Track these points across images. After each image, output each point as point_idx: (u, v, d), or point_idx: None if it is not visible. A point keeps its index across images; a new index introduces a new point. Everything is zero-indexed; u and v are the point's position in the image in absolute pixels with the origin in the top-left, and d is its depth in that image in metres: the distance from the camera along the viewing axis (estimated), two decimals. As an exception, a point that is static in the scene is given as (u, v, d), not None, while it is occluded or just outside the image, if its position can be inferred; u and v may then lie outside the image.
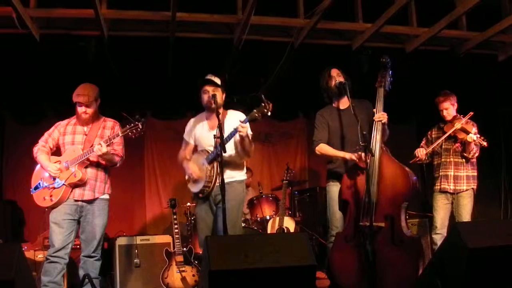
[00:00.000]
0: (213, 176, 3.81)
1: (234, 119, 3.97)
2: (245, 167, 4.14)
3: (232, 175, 3.96)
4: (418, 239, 4.06)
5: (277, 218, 5.69)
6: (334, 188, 4.13)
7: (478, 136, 4.62)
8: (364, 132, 3.71)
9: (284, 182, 6.02)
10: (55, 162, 3.99)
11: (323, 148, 4.14)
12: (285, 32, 5.41)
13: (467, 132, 4.63)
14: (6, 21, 4.64)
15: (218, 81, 4.00)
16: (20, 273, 2.78)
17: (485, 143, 4.63)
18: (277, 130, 7.47)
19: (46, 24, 4.97)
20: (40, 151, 4.07)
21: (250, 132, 3.80)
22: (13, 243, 4.86)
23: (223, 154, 3.61)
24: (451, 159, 4.82)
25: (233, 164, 3.99)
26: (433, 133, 5.01)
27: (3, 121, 6.70)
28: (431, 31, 5.36)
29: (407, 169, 4.00)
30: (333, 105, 4.26)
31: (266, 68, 5.85)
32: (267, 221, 5.82)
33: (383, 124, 3.93)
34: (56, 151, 4.16)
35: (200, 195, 3.95)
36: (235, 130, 3.74)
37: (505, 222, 5.49)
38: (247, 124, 3.70)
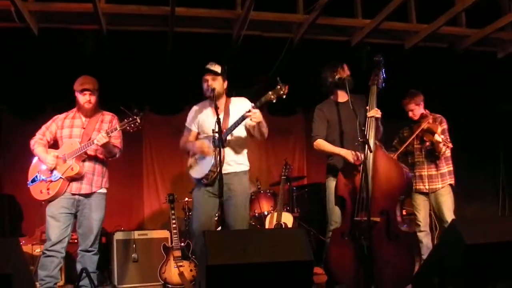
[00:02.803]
0: (218, 162, 3.68)
1: (240, 105, 3.94)
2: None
3: (238, 164, 3.94)
4: (414, 235, 4.08)
5: (275, 214, 5.69)
6: (333, 184, 4.12)
7: (443, 137, 4.62)
8: (363, 128, 3.72)
9: (283, 177, 6.02)
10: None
11: (321, 144, 4.14)
12: (284, 28, 5.40)
13: (433, 133, 4.61)
14: (4, 15, 4.62)
15: (218, 69, 3.93)
16: (18, 267, 2.78)
17: (450, 145, 4.63)
18: (275, 126, 7.43)
19: (45, 18, 4.95)
20: (37, 143, 4.07)
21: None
22: (11, 237, 4.89)
23: (226, 145, 3.61)
24: (423, 159, 4.81)
25: (238, 153, 3.96)
26: (405, 132, 4.99)
27: (1, 115, 6.68)
28: (430, 28, 5.36)
29: (401, 164, 4.02)
30: (332, 98, 4.26)
31: (265, 64, 5.84)
32: (265, 216, 5.82)
33: (377, 120, 3.94)
34: (54, 145, 4.15)
35: (204, 180, 3.85)
36: (242, 118, 3.68)
37: (503, 219, 5.50)
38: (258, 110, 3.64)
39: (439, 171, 4.76)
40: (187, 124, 4.16)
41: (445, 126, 4.79)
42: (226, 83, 4.02)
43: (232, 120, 3.83)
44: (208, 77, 3.91)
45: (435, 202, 4.77)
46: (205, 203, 3.90)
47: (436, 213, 4.83)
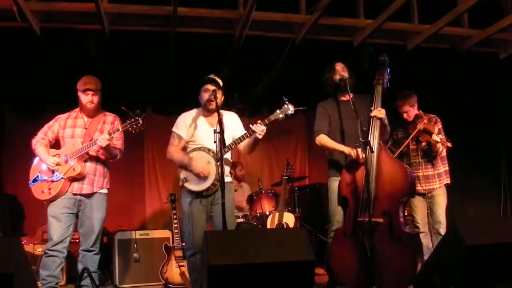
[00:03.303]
0: (219, 174, 3.71)
1: (231, 119, 4.05)
2: None
3: (228, 175, 4.05)
4: (417, 236, 4.07)
5: (277, 214, 5.69)
6: (335, 184, 4.12)
7: (441, 136, 4.60)
8: (364, 128, 3.71)
9: (284, 177, 6.02)
10: (54, 155, 3.99)
11: (323, 140, 4.14)
12: (287, 28, 5.39)
13: (430, 133, 4.58)
14: (7, 14, 4.63)
15: (220, 82, 3.99)
16: (19, 266, 2.78)
17: (449, 144, 4.58)
18: (276, 126, 7.41)
19: (47, 18, 4.95)
20: (39, 143, 4.07)
21: None
22: (13, 237, 4.89)
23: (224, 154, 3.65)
24: (419, 160, 4.78)
25: (228, 164, 4.07)
26: (399, 133, 4.95)
27: (3, 115, 6.70)
28: (433, 28, 5.35)
29: (405, 165, 4.01)
30: (336, 97, 4.26)
31: (267, 64, 5.84)
32: (267, 216, 5.81)
33: (381, 120, 3.93)
34: (56, 144, 4.15)
35: (205, 193, 3.89)
36: (249, 133, 3.75)
37: (504, 220, 5.50)
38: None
39: (436, 171, 4.74)
40: (177, 131, 4.10)
41: (440, 125, 4.77)
42: (223, 97, 4.07)
43: (225, 133, 3.83)
44: (211, 87, 3.95)
45: (431, 202, 4.75)
46: (200, 216, 3.92)
47: (430, 213, 4.81)
